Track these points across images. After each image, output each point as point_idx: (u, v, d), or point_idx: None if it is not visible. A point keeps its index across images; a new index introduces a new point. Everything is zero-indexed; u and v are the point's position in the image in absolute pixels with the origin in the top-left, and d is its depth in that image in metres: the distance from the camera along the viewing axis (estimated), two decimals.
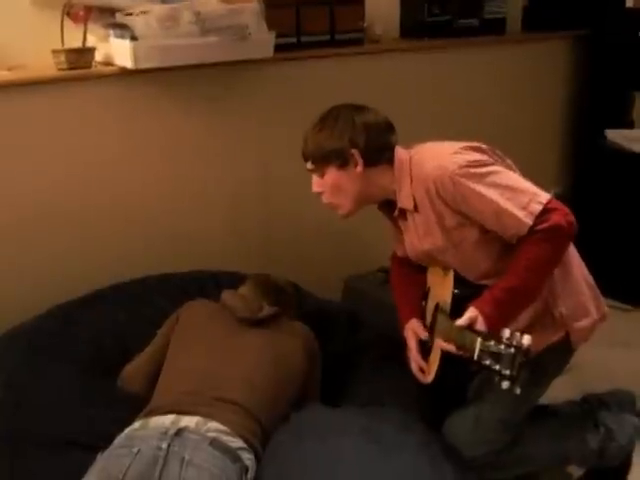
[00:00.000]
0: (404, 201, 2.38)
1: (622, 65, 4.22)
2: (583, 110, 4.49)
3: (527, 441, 2.52)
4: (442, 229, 2.32)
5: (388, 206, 2.51)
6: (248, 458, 2.17)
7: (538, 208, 2.19)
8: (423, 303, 2.58)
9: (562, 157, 4.57)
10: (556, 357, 2.47)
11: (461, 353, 2.15)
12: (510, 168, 2.36)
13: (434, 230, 2.34)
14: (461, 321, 2.16)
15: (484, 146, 2.35)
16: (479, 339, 2.02)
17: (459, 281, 2.38)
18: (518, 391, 1.96)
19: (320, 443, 2.23)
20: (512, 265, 2.24)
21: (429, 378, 2.41)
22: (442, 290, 2.43)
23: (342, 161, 2.37)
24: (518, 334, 1.96)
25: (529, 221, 2.18)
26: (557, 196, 2.40)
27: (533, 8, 4.31)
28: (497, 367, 1.96)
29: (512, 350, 1.94)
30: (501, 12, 4.05)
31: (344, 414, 2.42)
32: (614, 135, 4.26)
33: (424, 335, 2.46)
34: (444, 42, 3.89)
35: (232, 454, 2.13)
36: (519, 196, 2.20)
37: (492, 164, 2.27)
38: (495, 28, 4.05)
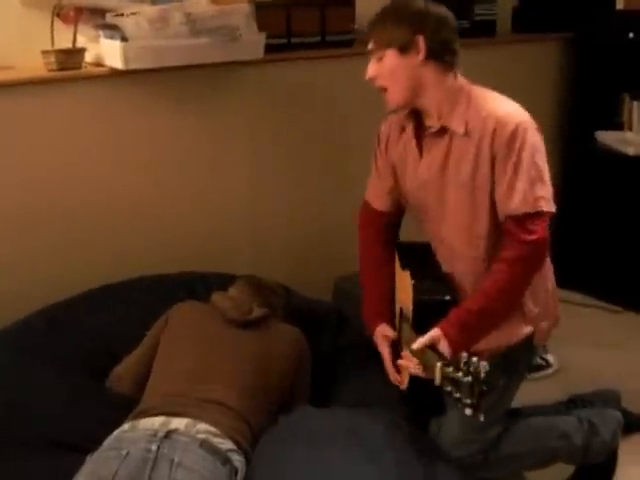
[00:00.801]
0: (454, 122, 2.30)
1: (612, 67, 4.23)
2: (573, 112, 4.50)
3: (513, 440, 2.54)
4: (474, 167, 2.28)
5: (413, 120, 2.44)
6: (238, 460, 2.18)
7: (542, 208, 2.23)
8: (395, 307, 2.56)
9: (552, 159, 4.54)
10: (524, 353, 2.49)
11: (424, 374, 2.14)
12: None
13: (466, 163, 2.29)
14: (421, 341, 2.16)
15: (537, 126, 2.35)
16: (439, 365, 1.99)
17: (420, 279, 2.35)
18: (482, 418, 1.95)
19: (308, 445, 2.22)
20: (484, 285, 2.26)
21: (403, 386, 2.40)
22: (404, 291, 2.42)
23: (405, 45, 2.27)
24: (475, 360, 1.91)
25: (527, 207, 2.21)
26: None
27: (523, 10, 4.32)
28: (458, 395, 1.94)
29: (470, 379, 1.91)
30: (491, 14, 4.05)
31: (332, 415, 2.42)
32: (604, 137, 4.27)
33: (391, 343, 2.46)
34: None
35: (222, 456, 2.13)
36: (539, 186, 2.23)
37: (543, 151, 2.31)
38: (485, 30, 4.06)
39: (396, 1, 2.39)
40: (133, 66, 2.88)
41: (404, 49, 2.28)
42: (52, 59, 2.86)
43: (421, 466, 2.23)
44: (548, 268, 2.48)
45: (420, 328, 2.23)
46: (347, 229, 3.35)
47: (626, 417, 2.81)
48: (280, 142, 3.51)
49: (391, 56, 2.30)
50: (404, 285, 2.41)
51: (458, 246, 2.38)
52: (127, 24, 2.85)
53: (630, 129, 4.25)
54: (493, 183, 2.27)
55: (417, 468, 2.21)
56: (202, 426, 2.17)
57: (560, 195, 4.51)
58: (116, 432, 2.19)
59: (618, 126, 4.30)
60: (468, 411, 1.92)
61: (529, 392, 2.65)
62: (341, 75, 3.57)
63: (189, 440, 2.11)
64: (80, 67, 2.95)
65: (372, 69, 2.36)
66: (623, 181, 4.18)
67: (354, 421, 2.36)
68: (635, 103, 4.21)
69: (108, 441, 2.16)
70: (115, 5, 2.95)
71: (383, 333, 2.48)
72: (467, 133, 2.29)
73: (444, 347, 2.16)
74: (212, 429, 2.17)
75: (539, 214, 2.22)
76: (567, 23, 4.28)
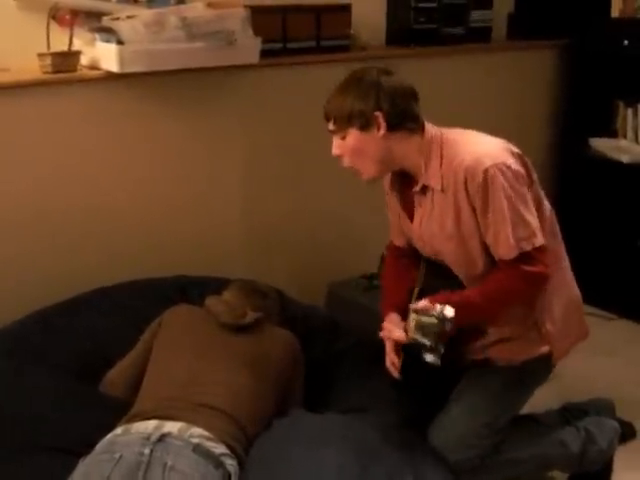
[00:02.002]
0: (431, 179, 2.33)
1: (606, 74, 4.24)
2: (567, 119, 4.51)
3: (510, 447, 2.53)
4: (456, 218, 2.31)
5: (403, 181, 2.47)
6: (231, 464, 2.17)
7: (527, 248, 2.24)
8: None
9: (546, 165, 4.58)
10: (538, 368, 2.51)
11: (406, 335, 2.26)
12: (531, 181, 2.36)
13: (449, 216, 2.32)
14: (416, 304, 2.26)
15: (518, 151, 2.35)
16: (414, 314, 2.15)
17: (432, 273, 2.45)
18: (438, 363, 2.02)
19: (303, 450, 2.23)
20: (483, 284, 2.31)
21: (396, 373, 2.42)
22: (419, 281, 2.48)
23: (365, 123, 2.29)
24: (445, 306, 2.08)
25: (514, 253, 2.23)
26: None
27: (518, 17, 4.33)
28: (423, 341, 2.07)
29: (435, 321, 2.05)
30: (487, 20, 4.06)
31: (326, 420, 2.42)
32: (598, 144, 4.28)
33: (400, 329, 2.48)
34: (430, 50, 3.90)
35: (215, 460, 2.12)
36: (521, 227, 2.24)
37: (521, 181, 2.27)
38: (480, 36, 4.07)
39: (349, 78, 2.38)
40: (129, 69, 2.88)
41: (364, 127, 2.31)
42: (48, 62, 2.86)
43: (417, 472, 2.23)
44: (569, 289, 2.51)
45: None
46: (341, 235, 3.37)
47: (620, 426, 2.81)
48: (276, 147, 3.51)
49: (353, 135, 2.33)
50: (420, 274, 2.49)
51: (465, 280, 2.40)
52: (123, 28, 2.85)
53: (624, 136, 4.26)
54: (480, 230, 2.29)
55: (413, 474, 2.22)
56: (195, 430, 2.16)
57: (554, 202, 4.54)
58: (109, 436, 2.18)
59: (612, 133, 4.31)
60: (429, 357, 2.03)
61: None
62: (337, 80, 3.54)
63: (182, 444, 2.11)
64: (76, 70, 2.95)
65: (337, 148, 2.39)
66: (617, 188, 4.19)
67: (348, 425, 2.37)
68: (629, 110, 4.23)
69: (101, 445, 2.16)
70: (111, 8, 2.95)
71: (391, 320, 2.49)
72: (443, 189, 2.32)
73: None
74: (205, 433, 2.17)
75: (529, 252, 2.24)
76: (562, 30, 4.30)
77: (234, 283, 2.82)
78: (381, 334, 2.45)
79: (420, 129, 2.36)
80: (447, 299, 2.25)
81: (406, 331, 2.28)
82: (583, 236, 4.23)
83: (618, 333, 3.96)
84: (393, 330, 2.38)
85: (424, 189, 2.37)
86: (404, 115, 2.32)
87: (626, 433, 2.93)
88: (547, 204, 2.46)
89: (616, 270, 4.20)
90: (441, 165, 2.31)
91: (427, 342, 2.08)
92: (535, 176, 2.39)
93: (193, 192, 3.38)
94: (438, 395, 2.54)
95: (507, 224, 2.21)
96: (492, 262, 2.33)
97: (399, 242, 2.66)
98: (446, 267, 2.43)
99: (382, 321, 2.54)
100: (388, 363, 2.45)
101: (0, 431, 2.32)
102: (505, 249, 2.24)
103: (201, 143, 3.35)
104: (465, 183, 2.24)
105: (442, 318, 2.10)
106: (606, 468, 2.75)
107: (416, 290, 2.46)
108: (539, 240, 2.25)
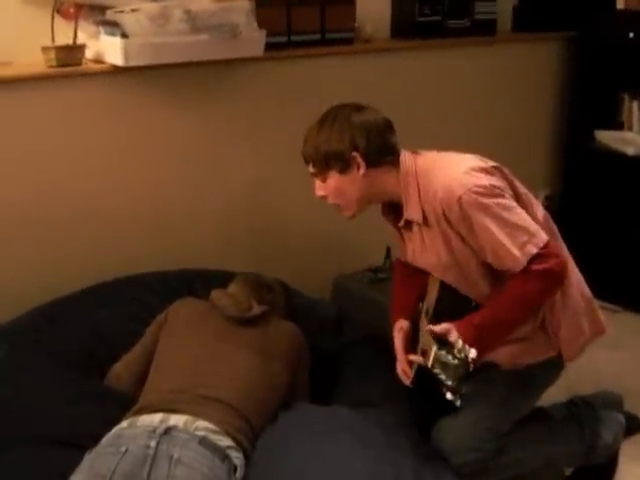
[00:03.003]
0: (412, 213, 2.33)
1: (611, 66, 4.23)
2: (572, 111, 4.50)
3: (515, 446, 2.52)
4: (448, 247, 2.29)
5: (393, 212, 2.46)
6: (237, 457, 2.17)
7: (533, 251, 2.18)
8: (420, 305, 2.57)
9: (551, 158, 4.57)
10: (547, 371, 2.50)
11: (423, 359, 2.18)
12: (514, 189, 2.33)
13: (440, 247, 2.31)
14: (434, 327, 2.19)
15: (491, 165, 2.31)
16: (435, 346, 2.05)
17: (445, 288, 2.38)
18: (458, 403, 1.99)
19: (308, 443, 2.23)
20: (500, 296, 2.25)
21: (408, 381, 2.41)
22: (432, 291, 2.44)
23: (344, 165, 2.31)
24: (467, 347, 1.98)
25: (523, 261, 2.18)
26: (547, 198, 2.41)
27: (523, 9, 4.32)
28: (443, 377, 1.99)
29: (456, 362, 1.97)
30: (491, 13, 4.05)
31: (332, 414, 2.42)
32: (603, 136, 4.27)
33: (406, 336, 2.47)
34: (434, 42, 3.90)
35: (221, 453, 2.13)
36: (518, 234, 2.19)
37: (499, 193, 2.22)
38: (485, 29, 4.06)
39: (322, 118, 2.37)
40: (133, 63, 2.87)
41: (344, 169, 2.31)
42: (52, 55, 2.85)
43: (421, 470, 2.24)
44: (576, 288, 2.46)
45: (437, 321, 2.26)
46: (346, 229, 3.35)
47: (627, 419, 2.81)
48: (280, 139, 3.51)
49: (333, 177, 2.34)
50: (434, 285, 2.44)
51: (473, 298, 2.38)
52: (127, 21, 2.84)
53: (630, 129, 4.25)
54: (475, 252, 2.27)
55: (417, 472, 2.22)
56: (201, 423, 2.17)
57: (559, 194, 4.53)
58: (115, 429, 2.19)
59: (617, 126, 4.30)
60: (449, 395, 1.98)
61: None
62: (341, 72, 3.57)
63: (188, 437, 2.11)
64: (80, 64, 2.94)
65: (319, 190, 2.41)
66: (622, 181, 4.19)
67: (353, 420, 2.37)
68: (635, 103, 4.22)
69: (107, 438, 2.16)
70: (115, 2, 2.95)
71: (399, 326, 2.50)
72: (426, 221, 2.31)
73: (453, 337, 2.16)
74: (211, 426, 2.17)
75: (535, 255, 2.19)
76: (567, 22, 4.29)
77: (239, 276, 2.82)
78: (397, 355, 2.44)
79: (398, 160, 2.35)
80: (470, 322, 2.21)
81: (423, 353, 2.21)
82: (589, 228, 4.23)
83: (624, 325, 3.94)
84: (410, 354, 2.34)
85: (408, 222, 2.37)
86: (381, 150, 2.32)
87: (632, 426, 2.92)
88: (540, 209, 2.43)
89: (621, 262, 4.19)
90: (419, 197, 2.30)
91: (448, 382, 2.00)
92: (518, 183, 2.36)
93: (197, 184, 3.38)
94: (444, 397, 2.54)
95: (502, 240, 2.17)
96: (497, 281, 2.31)
97: (405, 259, 2.63)
98: None
99: (391, 326, 2.54)
100: (399, 371, 2.44)
101: (5, 425, 2.32)
102: (512, 261, 2.19)
103: (206, 136, 3.35)
104: (444, 214, 2.22)
105: (464, 359, 2.00)
106: (612, 461, 2.75)
107: (428, 306, 2.43)
108: (541, 238, 2.21)
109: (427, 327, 2.20)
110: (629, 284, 4.14)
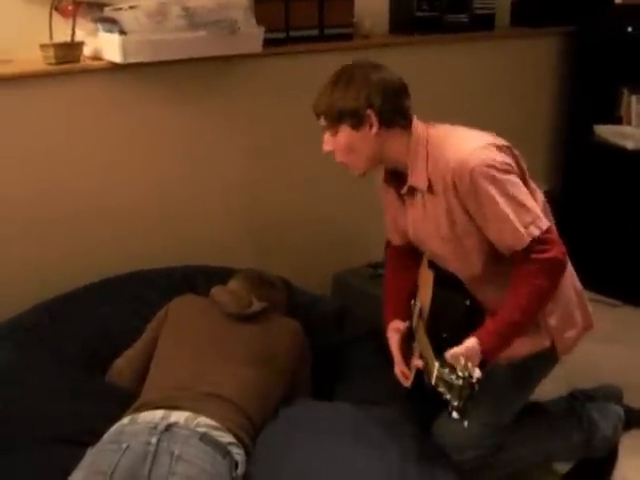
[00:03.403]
0: (417, 180, 2.31)
1: (610, 61, 4.22)
2: (571, 106, 4.50)
3: (515, 441, 2.53)
4: (449, 219, 2.29)
5: (396, 179, 2.44)
6: (238, 453, 2.18)
7: (536, 233, 2.19)
8: (412, 302, 2.57)
9: (551, 153, 4.57)
10: (541, 364, 2.49)
11: (425, 373, 2.17)
12: (522, 171, 2.33)
13: (442, 218, 2.30)
14: (457, 350, 2.14)
15: (505, 144, 2.31)
16: (437, 364, 2.02)
17: (441, 282, 2.37)
18: (466, 424, 1.97)
19: (309, 440, 2.24)
20: (514, 297, 2.23)
21: (408, 382, 2.40)
22: (425, 290, 2.43)
23: (357, 121, 2.27)
24: (470, 365, 1.95)
25: (526, 241, 2.18)
26: (546, 193, 2.41)
27: (522, 4, 4.31)
28: (448, 396, 1.97)
29: (460, 382, 1.94)
30: (490, 8, 4.05)
31: (333, 411, 2.42)
32: (602, 131, 4.27)
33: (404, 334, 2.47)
34: (433, 38, 3.89)
35: (222, 449, 2.13)
36: (524, 213, 2.20)
37: (511, 170, 2.24)
38: (484, 24, 4.05)
39: (339, 74, 2.34)
40: (131, 60, 2.87)
41: (357, 125, 2.28)
42: (50, 53, 2.85)
43: (422, 466, 2.24)
44: (569, 278, 2.46)
45: (434, 327, 2.26)
46: (346, 224, 3.36)
47: (627, 413, 2.81)
48: (279, 136, 3.51)
49: (345, 132, 2.30)
50: (426, 284, 2.43)
51: (464, 279, 2.39)
52: (126, 18, 2.84)
53: (628, 123, 4.26)
54: (477, 227, 2.26)
55: (418, 468, 2.23)
56: (202, 420, 2.17)
57: (559, 189, 4.52)
58: (116, 425, 2.19)
59: (616, 120, 4.30)
60: (455, 414, 1.95)
61: None
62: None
63: (189, 433, 2.11)
64: (78, 61, 2.94)
65: (328, 144, 2.36)
66: (621, 175, 4.18)
67: (356, 415, 2.37)
68: (633, 97, 4.22)
69: (108, 434, 2.16)
70: None
71: (394, 327, 2.49)
72: (431, 189, 2.29)
73: (475, 361, 2.13)
74: (212, 423, 2.18)
75: (537, 238, 2.20)
76: (566, 17, 4.29)
77: (240, 273, 2.83)
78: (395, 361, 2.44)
79: (410, 126, 2.34)
80: (490, 330, 2.21)
81: (424, 367, 2.18)
82: (588, 222, 4.24)
83: (623, 319, 3.95)
84: (408, 356, 2.33)
85: (411, 190, 2.36)
86: (396, 112, 2.30)
87: (632, 419, 2.93)
88: (540, 195, 2.43)
89: (621, 256, 4.19)
90: (427, 166, 2.29)
91: (454, 402, 1.96)
92: (525, 167, 2.37)
93: (197, 181, 3.38)
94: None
95: (509, 215, 2.17)
96: (491, 261, 2.31)
97: (396, 241, 2.64)
98: (454, 278, 2.41)
99: (384, 326, 2.54)
100: (397, 373, 2.44)
101: (8, 422, 2.32)
102: (514, 239, 2.19)
103: (205, 133, 3.35)
104: (454, 184, 2.21)
105: (468, 380, 1.94)
106: (612, 454, 2.76)
107: (422, 305, 2.42)
108: (544, 222, 2.22)
109: (449, 353, 2.14)
110: (628, 278, 4.14)
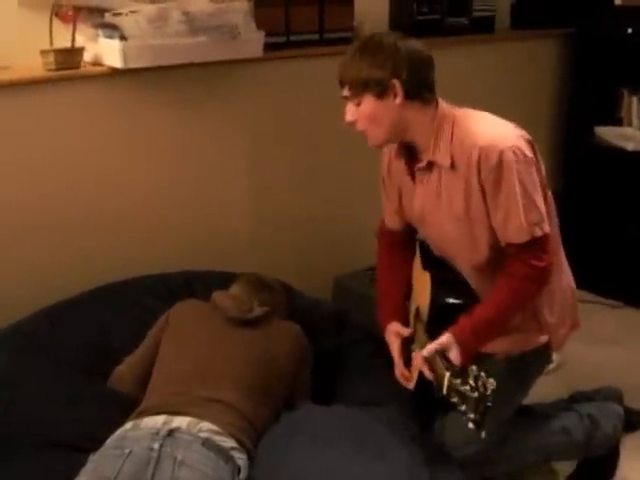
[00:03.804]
0: (440, 156, 2.27)
1: (610, 62, 4.23)
2: (572, 107, 4.50)
3: (515, 439, 2.54)
4: (465, 200, 2.26)
5: (409, 155, 2.40)
6: (240, 458, 2.18)
7: (539, 233, 2.20)
8: (407, 304, 2.57)
9: (551, 155, 4.57)
10: (537, 359, 2.50)
11: (433, 380, 2.18)
12: (540, 172, 2.33)
13: (458, 197, 2.27)
14: (430, 347, 2.19)
15: (529, 137, 2.31)
16: (447, 375, 2.02)
17: (439, 282, 2.38)
18: (483, 435, 1.96)
19: (311, 441, 2.23)
20: (495, 295, 2.26)
21: (411, 384, 2.41)
22: (422, 291, 2.43)
23: (381, 90, 2.22)
24: (484, 375, 1.94)
25: (526, 237, 2.19)
26: None
27: (522, 6, 4.32)
28: (463, 408, 1.96)
29: (475, 395, 1.93)
30: (490, 10, 4.05)
31: (334, 414, 2.42)
32: (603, 132, 4.28)
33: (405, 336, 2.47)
34: (433, 41, 3.87)
35: (224, 454, 2.14)
36: (533, 211, 2.20)
37: (534, 167, 2.24)
38: (484, 26, 4.06)
39: (366, 41, 2.30)
40: (132, 65, 2.88)
41: (381, 94, 2.24)
42: (51, 59, 2.85)
43: (424, 466, 2.23)
44: (566, 277, 2.49)
45: (434, 330, 2.26)
46: (347, 227, 3.37)
47: (628, 414, 2.82)
48: (280, 140, 3.51)
49: (368, 102, 2.26)
50: (423, 285, 2.42)
51: (463, 268, 2.39)
52: (126, 23, 2.84)
53: (629, 124, 4.26)
54: (488, 213, 2.26)
55: (421, 468, 2.22)
56: (204, 425, 2.17)
57: (559, 190, 4.52)
58: (118, 431, 2.19)
59: (617, 121, 4.31)
60: (471, 425, 1.94)
61: None
62: None
63: (191, 438, 2.12)
64: (79, 67, 2.94)
65: (350, 114, 2.31)
66: (622, 176, 4.19)
67: (356, 419, 2.37)
68: (634, 98, 4.22)
69: (110, 440, 2.17)
70: (114, 4, 2.95)
71: (394, 330, 2.49)
72: (453, 166, 2.26)
73: (454, 354, 2.17)
74: (214, 428, 2.18)
75: (539, 238, 2.22)
76: (566, 19, 4.29)
77: (241, 277, 2.83)
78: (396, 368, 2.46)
79: (434, 101, 2.31)
80: (465, 327, 2.23)
81: (433, 375, 2.19)
82: (588, 224, 4.24)
83: (623, 321, 3.96)
84: (422, 366, 2.28)
85: (430, 165, 2.32)
86: (421, 84, 2.27)
87: (633, 421, 2.93)
88: (550, 196, 2.43)
89: (621, 258, 4.20)
90: (451, 142, 2.26)
91: (470, 415, 1.94)
92: (542, 164, 2.37)
93: (198, 186, 3.38)
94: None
95: (519, 207, 2.18)
96: (496, 251, 2.30)
97: (393, 225, 2.62)
98: (453, 278, 2.41)
99: (381, 328, 2.55)
100: (398, 376, 2.44)
101: (9, 427, 2.33)
102: (516, 232, 2.20)
103: (206, 137, 3.35)
104: (478, 163, 2.19)
105: (483, 393, 1.92)
106: (613, 453, 2.76)
107: (419, 305, 2.42)
108: (547, 227, 2.23)
109: (425, 350, 2.20)
110: (629, 280, 4.14)
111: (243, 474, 2.17)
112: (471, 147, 2.21)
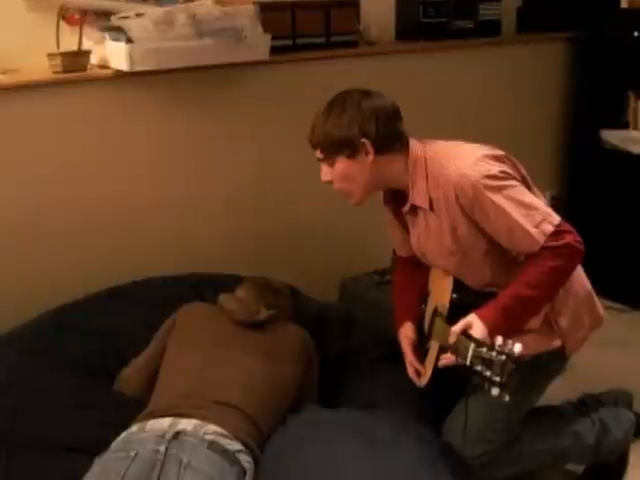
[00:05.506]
0: (418, 198, 2.33)
1: (617, 66, 4.22)
2: (578, 111, 4.49)
3: (525, 440, 2.53)
4: (453, 234, 2.30)
5: (395, 199, 2.46)
6: (246, 460, 2.17)
7: (550, 228, 2.20)
8: (422, 306, 2.58)
9: (557, 158, 4.57)
10: (552, 361, 2.50)
11: (455, 358, 2.17)
12: (523, 177, 2.34)
13: (445, 233, 2.32)
14: (457, 326, 2.19)
15: (501, 153, 2.32)
16: (472, 345, 2.04)
17: (458, 285, 2.38)
18: (507, 398, 1.97)
19: (317, 447, 2.22)
20: (522, 275, 2.24)
21: (424, 381, 2.42)
22: (441, 293, 2.43)
23: (352, 150, 2.28)
24: (510, 342, 1.96)
25: (541, 240, 2.19)
26: (553, 198, 2.41)
27: (527, 9, 4.32)
28: (488, 373, 1.97)
29: (503, 357, 1.95)
30: (496, 14, 4.05)
31: (341, 417, 2.42)
32: (609, 135, 4.27)
33: (416, 334, 2.49)
34: (439, 44, 3.90)
35: (230, 457, 2.13)
36: (533, 213, 2.20)
37: (511, 177, 2.25)
38: (490, 30, 4.06)
39: (330, 105, 2.35)
40: (138, 68, 2.89)
41: (353, 155, 2.29)
42: (58, 62, 2.86)
43: (433, 467, 2.23)
44: (578, 279, 2.47)
45: (455, 320, 2.25)
46: (353, 231, 3.36)
47: (637, 418, 2.80)
48: (286, 143, 3.51)
49: (341, 162, 2.32)
50: (443, 287, 2.43)
51: (476, 286, 2.39)
52: (132, 26, 2.85)
53: (635, 128, 4.24)
54: (482, 239, 2.28)
55: (429, 469, 2.21)
56: (210, 427, 2.17)
57: (566, 194, 4.51)
58: (124, 434, 2.19)
59: (623, 125, 4.29)
60: (495, 390, 1.97)
61: None
62: (346, 75, 3.55)
63: (197, 441, 2.11)
64: (86, 69, 2.95)
65: (325, 175, 2.37)
66: (629, 180, 4.18)
67: (362, 422, 2.36)
68: None
69: (116, 443, 2.16)
70: (120, 7, 2.96)
71: (405, 333, 2.53)
72: (432, 208, 2.31)
73: (477, 330, 2.16)
74: (220, 430, 2.17)
75: (552, 233, 2.20)
76: (572, 22, 4.29)
77: (247, 280, 2.83)
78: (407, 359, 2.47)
79: (406, 147, 2.35)
80: (495, 306, 2.21)
81: (454, 352, 2.17)
82: (595, 227, 4.21)
83: (632, 324, 3.94)
84: (443, 356, 2.28)
85: (414, 208, 2.37)
86: (390, 137, 2.31)
87: None
88: (544, 200, 2.41)
89: (628, 261, 4.19)
90: (427, 184, 2.30)
91: (496, 378, 1.96)
92: (525, 173, 2.37)
93: (204, 189, 3.38)
94: (452, 391, 2.54)
95: (517, 220, 2.18)
96: (500, 268, 2.32)
97: (403, 254, 2.67)
98: None
99: (395, 330, 2.57)
100: (410, 371, 2.46)
101: (14, 431, 2.32)
102: (529, 242, 2.20)
103: (212, 140, 3.35)
104: (457, 199, 2.23)
105: (511, 354, 1.95)
106: (622, 459, 2.75)
107: (438, 305, 2.42)
108: (555, 217, 2.23)
109: (453, 328, 2.19)
110: (637, 283, 4.13)
111: (249, 477, 2.16)
112: (445, 185, 2.25)
